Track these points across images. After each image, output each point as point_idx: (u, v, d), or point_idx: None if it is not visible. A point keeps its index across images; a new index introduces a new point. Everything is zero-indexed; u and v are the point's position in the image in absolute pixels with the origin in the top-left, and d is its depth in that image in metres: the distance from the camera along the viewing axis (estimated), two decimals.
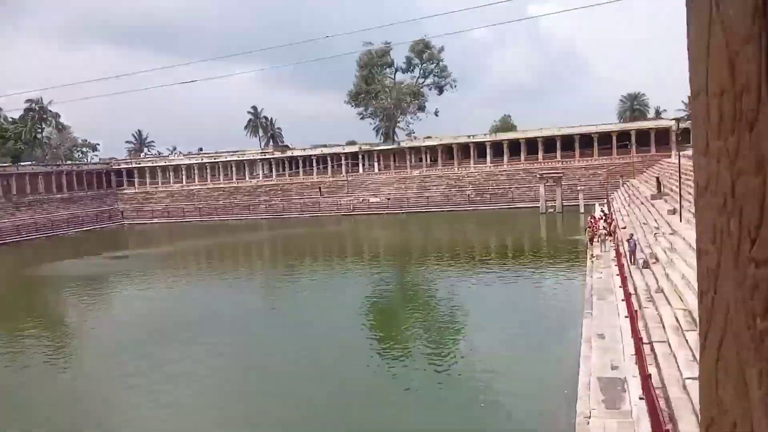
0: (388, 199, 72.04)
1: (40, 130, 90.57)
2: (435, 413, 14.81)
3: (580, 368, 16.09)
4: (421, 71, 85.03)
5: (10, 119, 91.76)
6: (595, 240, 36.20)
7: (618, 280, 24.34)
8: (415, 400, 15.81)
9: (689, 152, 52.40)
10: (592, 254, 32.66)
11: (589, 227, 39.17)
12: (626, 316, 18.56)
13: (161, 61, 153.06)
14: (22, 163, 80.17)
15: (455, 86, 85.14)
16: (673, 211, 31.04)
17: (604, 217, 39.80)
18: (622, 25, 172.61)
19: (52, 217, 72.10)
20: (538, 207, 58.39)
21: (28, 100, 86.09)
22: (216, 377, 18.68)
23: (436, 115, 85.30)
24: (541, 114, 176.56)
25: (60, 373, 19.81)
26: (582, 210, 54.46)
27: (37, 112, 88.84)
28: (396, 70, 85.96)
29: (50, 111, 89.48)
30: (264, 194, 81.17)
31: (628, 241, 23.81)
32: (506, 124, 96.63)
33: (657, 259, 22.88)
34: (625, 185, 60.89)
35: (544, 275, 31.91)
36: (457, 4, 43.64)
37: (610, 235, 37.02)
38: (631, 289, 20.45)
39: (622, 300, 20.48)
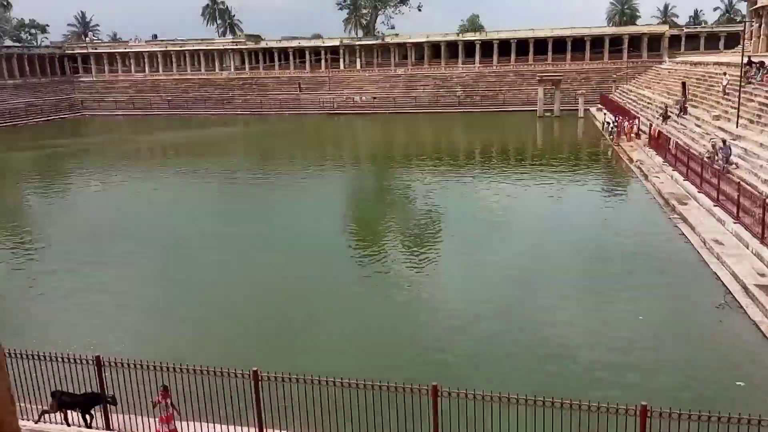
0: (374, 98, 68.97)
1: None
2: None
3: (719, 274, 15.40)
4: None
5: None
6: (626, 141, 35.70)
7: (687, 185, 23.70)
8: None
9: (692, 58, 51.73)
10: (630, 157, 32.07)
11: (617, 129, 38.51)
12: (735, 221, 17.91)
13: None
14: None
15: None
16: (718, 117, 30.43)
17: (626, 120, 39.02)
18: None
19: (8, 105, 66.06)
20: (532, 110, 56.50)
21: None
22: (164, 272, 17.97)
23: (420, 10, 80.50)
24: (510, 15, 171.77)
25: None
26: (581, 114, 53.40)
27: None
28: None
29: None
30: (238, 88, 76.38)
31: (721, 148, 22.81)
32: (474, 25, 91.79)
33: (737, 165, 22.25)
34: (618, 90, 60.19)
35: (590, 178, 30.74)
36: None
37: (638, 137, 36.61)
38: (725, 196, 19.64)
39: (715, 205, 19.84)
